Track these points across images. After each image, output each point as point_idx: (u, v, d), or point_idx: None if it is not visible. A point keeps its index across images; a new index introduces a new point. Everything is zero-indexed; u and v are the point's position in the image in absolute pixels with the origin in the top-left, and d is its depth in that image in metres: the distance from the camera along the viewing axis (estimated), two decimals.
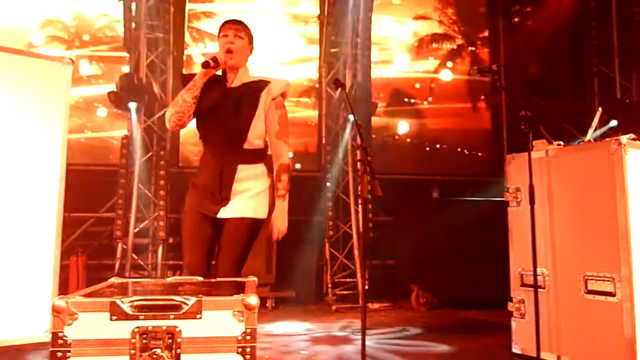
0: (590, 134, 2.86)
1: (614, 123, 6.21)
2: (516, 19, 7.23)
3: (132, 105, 5.38)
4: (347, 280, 5.69)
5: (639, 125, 6.58)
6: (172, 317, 1.77)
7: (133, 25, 5.57)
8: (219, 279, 2.43)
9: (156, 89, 5.63)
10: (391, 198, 6.02)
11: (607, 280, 2.38)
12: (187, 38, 6.29)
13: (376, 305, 5.22)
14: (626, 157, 2.39)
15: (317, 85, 6.38)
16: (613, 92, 6.91)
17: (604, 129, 6.27)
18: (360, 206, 5.45)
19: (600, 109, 3.16)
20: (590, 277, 2.44)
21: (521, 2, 7.25)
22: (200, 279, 2.31)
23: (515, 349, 2.72)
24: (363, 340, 2.44)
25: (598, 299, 2.41)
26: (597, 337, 2.41)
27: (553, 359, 2.56)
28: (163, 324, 1.76)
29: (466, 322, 4.58)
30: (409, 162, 6.83)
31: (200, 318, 1.77)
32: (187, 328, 1.77)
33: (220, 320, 1.77)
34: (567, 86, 7.49)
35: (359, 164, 2.62)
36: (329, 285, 5.61)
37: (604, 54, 6.98)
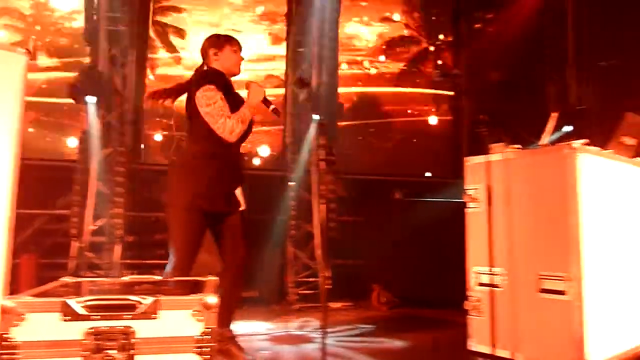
0: (545, 139, 2.96)
1: (568, 128, 6.45)
2: (478, 25, 7.41)
3: (91, 99, 5.22)
4: (310, 279, 5.70)
5: (591, 131, 6.87)
6: (127, 317, 1.73)
7: (94, 16, 5.40)
8: (178, 279, 2.39)
9: (117, 83, 5.48)
10: (354, 198, 6.12)
11: (559, 280, 2.46)
12: (151, 32, 6.15)
13: (338, 305, 5.24)
14: (578, 161, 2.49)
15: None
16: (567, 99, 7.17)
17: (559, 133, 6.50)
18: (322, 206, 5.46)
19: (555, 114, 3.27)
20: (544, 277, 2.53)
21: (484, 9, 7.43)
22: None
23: (472, 347, 2.78)
24: (324, 339, 2.45)
25: (551, 298, 2.50)
26: (549, 334, 2.49)
27: (507, 355, 2.63)
28: (117, 324, 1.72)
29: (425, 320, 4.66)
30: (372, 162, 6.90)
31: (156, 318, 1.74)
32: (143, 328, 1.73)
33: (177, 320, 1.74)
34: (525, 92, 7.73)
35: (322, 163, 2.62)
36: (291, 285, 5.60)
37: (558, 61, 7.24)
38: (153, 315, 1.74)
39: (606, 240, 2.68)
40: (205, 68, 2.97)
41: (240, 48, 2.99)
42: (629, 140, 3.06)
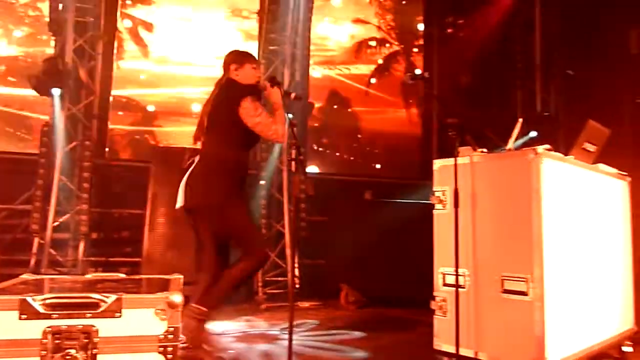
0: (510, 143, 3.03)
1: (533, 134, 6.63)
2: (450, 30, 7.53)
3: (56, 91, 5.07)
4: (278, 279, 5.68)
5: (555, 137, 7.08)
6: (88, 315, 1.69)
7: (60, 6, 5.25)
8: (143, 277, 2.35)
9: (83, 75, 5.34)
10: (325, 198, 6.13)
11: (522, 281, 2.53)
12: (120, 24, 6.02)
13: (306, 304, 5.25)
14: (542, 166, 2.56)
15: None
16: (534, 105, 7.37)
17: (525, 139, 6.68)
18: (293, 205, 5.45)
19: (520, 120, 3.35)
20: (507, 278, 2.59)
21: (455, 14, 7.56)
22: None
23: (437, 346, 2.82)
24: (290, 338, 2.45)
25: (513, 298, 2.56)
26: (511, 334, 2.55)
27: (471, 355, 2.68)
28: (78, 323, 1.68)
29: (392, 319, 4.71)
30: (343, 163, 6.93)
31: (120, 316, 1.70)
32: (105, 327, 1.70)
33: (141, 318, 1.71)
34: (493, 97, 7.90)
35: (292, 163, 2.62)
36: (260, 284, 5.57)
37: (527, 69, 7.43)
38: (116, 314, 1.71)
39: (567, 242, 2.76)
40: (224, 80, 3.20)
41: (259, 66, 3.30)
42: (590, 147, 3.16)
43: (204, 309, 2.94)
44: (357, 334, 4.00)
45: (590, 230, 3.08)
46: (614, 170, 3.46)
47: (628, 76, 6.74)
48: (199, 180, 3.11)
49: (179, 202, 3.17)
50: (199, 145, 3.21)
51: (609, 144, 3.31)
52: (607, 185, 3.38)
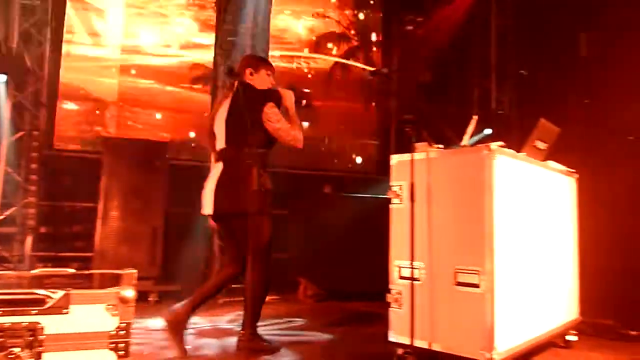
0: (465, 140, 3.10)
1: (488, 131, 6.82)
2: (409, 27, 7.62)
3: (0, 77, 4.82)
4: None
5: (508, 135, 7.30)
6: (34, 312, 1.62)
7: None
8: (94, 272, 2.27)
9: (29, 61, 5.09)
10: (284, 192, 6.09)
11: (473, 273, 2.60)
12: (69, 9, 5.76)
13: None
14: (495, 162, 2.63)
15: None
16: (489, 103, 7.58)
17: (480, 136, 6.85)
18: None
19: (475, 117, 3.43)
20: (460, 270, 2.65)
21: (414, 12, 7.65)
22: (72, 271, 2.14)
23: (392, 338, 2.87)
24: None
25: (465, 290, 2.62)
26: (463, 325, 2.62)
27: (425, 346, 2.73)
28: (23, 320, 1.61)
29: (350, 312, 4.75)
30: (302, 157, 6.92)
31: (67, 313, 1.64)
32: (52, 324, 1.63)
33: (91, 314, 1.65)
34: (450, 94, 8.08)
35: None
36: None
37: (483, 67, 7.63)
38: (64, 310, 1.64)
39: (518, 236, 2.86)
40: (240, 83, 3.20)
41: (273, 72, 3.33)
42: (541, 145, 3.27)
43: (249, 331, 3.11)
44: (314, 327, 4.02)
45: (540, 225, 3.19)
46: (563, 168, 3.60)
47: (577, 78, 7.03)
48: (226, 188, 3.15)
49: (207, 209, 3.23)
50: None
51: (558, 142, 3.44)
52: (556, 181, 3.51)
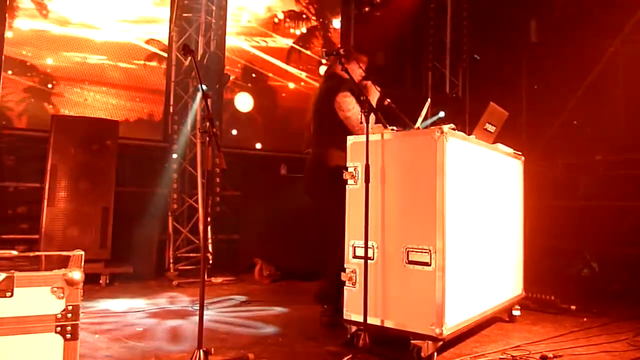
0: (419, 122, 3.16)
1: (442, 114, 6.97)
2: (367, 9, 7.61)
3: None
4: (191, 255, 5.57)
5: (461, 117, 7.48)
6: None
7: None
8: (40, 253, 2.19)
9: None
10: (239, 173, 6.06)
11: (425, 252, 2.67)
12: None
13: (219, 279, 5.20)
14: (447, 144, 2.69)
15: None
16: (443, 87, 7.73)
17: (434, 119, 7.01)
18: (206, 180, 5.34)
19: (429, 100, 3.50)
20: (411, 249, 2.73)
21: None
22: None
23: (346, 316, 2.93)
24: (201, 313, 2.41)
25: (417, 269, 2.70)
26: (415, 302, 2.70)
27: (378, 323, 2.81)
28: None
29: (305, 292, 4.80)
30: (258, 137, 6.86)
31: (11, 296, 1.58)
32: None
33: (35, 297, 1.60)
34: (406, 77, 8.18)
35: (204, 135, 2.54)
36: (171, 261, 5.43)
37: (438, 51, 7.76)
38: (7, 294, 1.58)
39: (467, 216, 2.96)
40: (329, 72, 3.58)
41: (365, 64, 3.56)
42: (491, 128, 3.38)
43: (328, 306, 3.40)
44: (270, 306, 4.05)
45: (488, 205, 3.32)
46: (511, 150, 3.74)
47: (528, 63, 7.27)
48: (310, 169, 3.57)
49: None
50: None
51: (506, 126, 3.56)
52: (504, 163, 3.64)
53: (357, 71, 3.47)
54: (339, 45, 7.19)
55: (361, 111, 2.83)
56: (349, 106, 3.34)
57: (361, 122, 2.93)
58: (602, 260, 5.50)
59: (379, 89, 3.48)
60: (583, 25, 6.20)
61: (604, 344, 3.09)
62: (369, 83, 3.46)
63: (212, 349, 2.42)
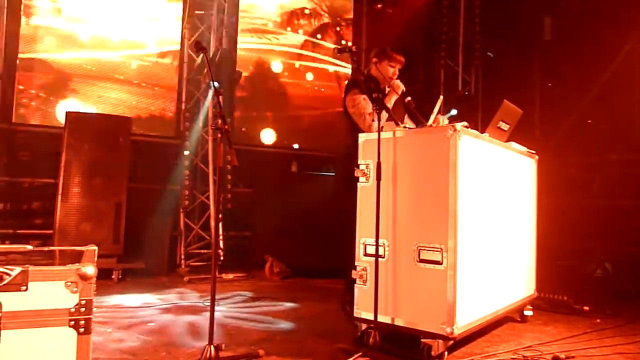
0: (431, 120, 3.14)
1: (454, 112, 6.91)
2: (379, 6, 7.57)
3: None
4: (202, 251, 5.60)
5: (473, 116, 7.43)
6: None
7: None
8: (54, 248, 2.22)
9: None
10: (251, 170, 6.07)
11: (436, 251, 2.66)
12: None
13: (230, 276, 5.23)
14: (459, 142, 2.67)
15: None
16: (455, 84, 7.67)
17: (446, 116, 6.95)
18: (217, 176, 5.36)
19: (441, 97, 3.48)
20: (423, 248, 2.71)
21: None
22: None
23: (357, 313, 2.92)
24: (212, 309, 2.43)
25: (428, 267, 2.69)
26: (425, 300, 2.69)
27: (388, 321, 2.80)
28: None
29: (316, 289, 4.82)
30: (270, 135, 6.87)
31: (25, 290, 1.60)
32: (10, 301, 1.59)
33: (50, 292, 1.62)
34: (419, 74, 8.13)
35: (216, 132, 2.55)
36: (183, 257, 5.47)
37: (450, 49, 7.69)
38: (22, 288, 1.60)
39: (480, 215, 2.93)
40: (365, 71, 3.64)
41: (397, 63, 3.56)
42: (504, 126, 3.34)
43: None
44: (281, 304, 4.06)
45: (501, 203, 3.29)
46: (524, 149, 3.70)
47: (541, 60, 7.18)
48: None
49: None
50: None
51: (520, 124, 3.53)
52: (517, 162, 3.61)
53: (387, 70, 3.52)
54: (351, 43, 7.18)
55: (373, 108, 2.83)
56: (353, 103, 3.41)
57: (373, 120, 3.04)
58: (616, 261, 5.44)
59: (403, 88, 3.50)
60: (598, 23, 6.11)
61: (617, 345, 3.05)
62: (395, 82, 3.49)
63: (223, 345, 2.44)
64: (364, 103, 3.35)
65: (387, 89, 3.51)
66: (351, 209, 3.22)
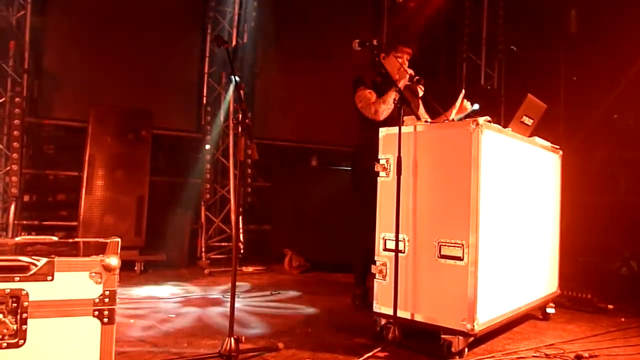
0: (453, 114, 3.10)
1: (476, 106, 6.81)
2: (400, 0, 7.49)
3: None
4: (223, 244, 5.66)
5: (496, 110, 7.31)
6: (17, 279, 1.61)
7: None
8: (78, 240, 2.26)
9: (10, 26, 4.94)
10: (271, 164, 6.09)
11: (457, 246, 2.64)
12: None
13: (250, 269, 5.27)
14: (482, 137, 2.64)
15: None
16: (478, 78, 7.56)
17: (468, 111, 6.86)
18: (238, 170, 5.40)
19: (463, 91, 3.43)
20: (444, 243, 2.69)
21: None
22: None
23: (376, 308, 2.92)
24: (232, 302, 2.45)
25: (449, 263, 2.67)
26: (446, 296, 2.67)
27: (407, 317, 2.79)
28: (7, 286, 1.60)
29: (335, 284, 4.82)
30: (290, 129, 6.87)
31: (51, 280, 1.64)
32: (36, 291, 1.63)
33: (75, 282, 1.65)
34: (440, 68, 8.04)
35: (237, 126, 2.56)
36: (203, 249, 5.53)
37: (473, 42, 7.58)
38: (48, 278, 1.64)
39: (502, 210, 2.90)
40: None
41: (404, 53, 3.58)
42: (528, 120, 3.29)
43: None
44: (300, 297, 4.08)
45: (524, 199, 3.24)
46: (548, 144, 3.63)
47: (567, 54, 7.03)
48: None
49: None
50: None
51: (544, 118, 3.46)
52: (541, 157, 3.55)
53: (393, 63, 3.51)
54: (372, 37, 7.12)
55: (393, 102, 2.86)
56: (359, 99, 3.50)
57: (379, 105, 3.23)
58: None
59: (411, 72, 3.46)
60: (625, 15, 5.95)
61: None
62: (400, 70, 3.46)
63: (243, 338, 2.46)
64: (369, 95, 3.46)
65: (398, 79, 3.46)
66: (360, 208, 3.26)
